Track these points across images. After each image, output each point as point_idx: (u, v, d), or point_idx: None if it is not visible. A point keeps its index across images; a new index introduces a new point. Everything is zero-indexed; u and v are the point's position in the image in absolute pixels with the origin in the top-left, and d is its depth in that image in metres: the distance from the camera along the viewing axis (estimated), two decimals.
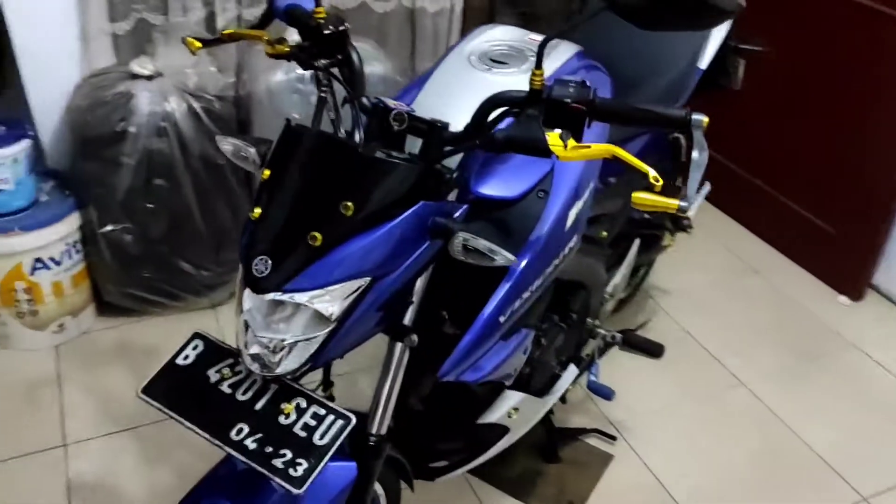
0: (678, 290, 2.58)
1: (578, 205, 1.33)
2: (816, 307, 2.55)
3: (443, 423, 1.54)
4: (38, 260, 2.09)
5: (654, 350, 1.83)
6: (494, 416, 1.50)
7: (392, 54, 2.46)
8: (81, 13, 2.13)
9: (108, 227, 2.14)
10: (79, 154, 2.11)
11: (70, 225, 2.14)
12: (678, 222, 2.01)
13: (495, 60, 1.38)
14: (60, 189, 2.19)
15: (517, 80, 1.33)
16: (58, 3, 2.10)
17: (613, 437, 2.01)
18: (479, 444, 1.57)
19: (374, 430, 1.22)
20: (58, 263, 2.13)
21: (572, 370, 1.72)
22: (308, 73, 2.16)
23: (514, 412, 1.53)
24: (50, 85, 2.16)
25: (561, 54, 1.43)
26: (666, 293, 2.57)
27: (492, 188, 1.24)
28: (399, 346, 1.21)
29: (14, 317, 2.14)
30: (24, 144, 2.05)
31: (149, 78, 2.09)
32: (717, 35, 1.88)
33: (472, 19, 2.71)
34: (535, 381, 1.61)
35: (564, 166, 1.29)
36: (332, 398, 1.33)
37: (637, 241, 1.95)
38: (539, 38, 1.46)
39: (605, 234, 1.72)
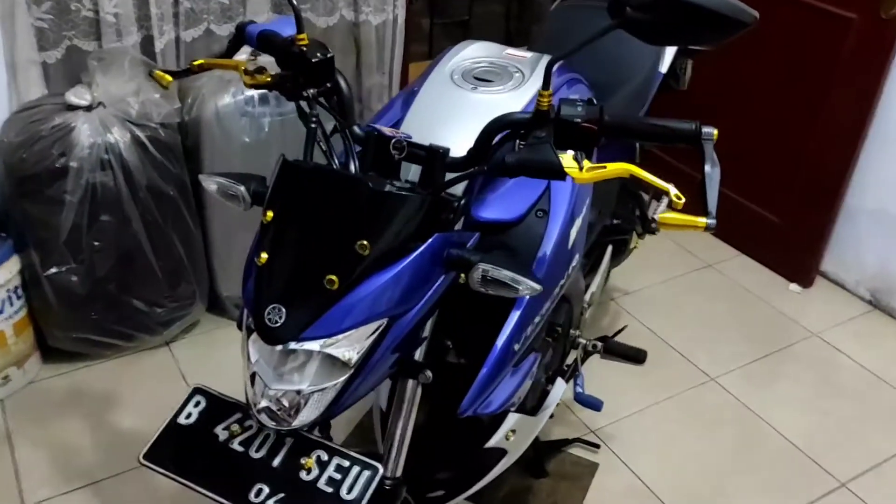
0: (637, 290, 2.61)
1: (578, 222, 1.31)
2: (770, 296, 2.62)
3: (445, 452, 1.49)
4: None
5: (636, 356, 1.83)
6: (494, 440, 1.47)
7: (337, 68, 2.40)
8: (7, 42, 1.99)
9: (52, 270, 2.01)
10: (15, 194, 1.97)
11: (10, 270, 1.99)
12: (647, 225, 2.02)
13: (479, 78, 1.35)
14: None
15: (504, 98, 1.30)
16: None
17: (597, 446, 2.01)
18: (478, 470, 1.53)
19: (389, 473, 1.17)
20: None
21: (560, 384, 1.70)
22: (256, 94, 2.11)
23: (512, 434, 1.50)
24: None
25: (543, 69, 1.40)
26: (626, 294, 2.59)
27: (492, 211, 1.20)
28: (411, 383, 1.16)
29: None
30: None
31: (87, 108, 1.97)
32: None
33: (413, 30, 2.68)
34: (528, 399, 1.58)
35: (560, 184, 1.27)
36: (329, 439, 1.27)
37: (610, 248, 1.95)
38: (518, 53, 1.44)
39: None
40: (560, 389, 1.70)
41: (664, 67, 1.87)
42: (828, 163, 2.48)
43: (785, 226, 2.65)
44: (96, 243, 2.01)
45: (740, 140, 2.70)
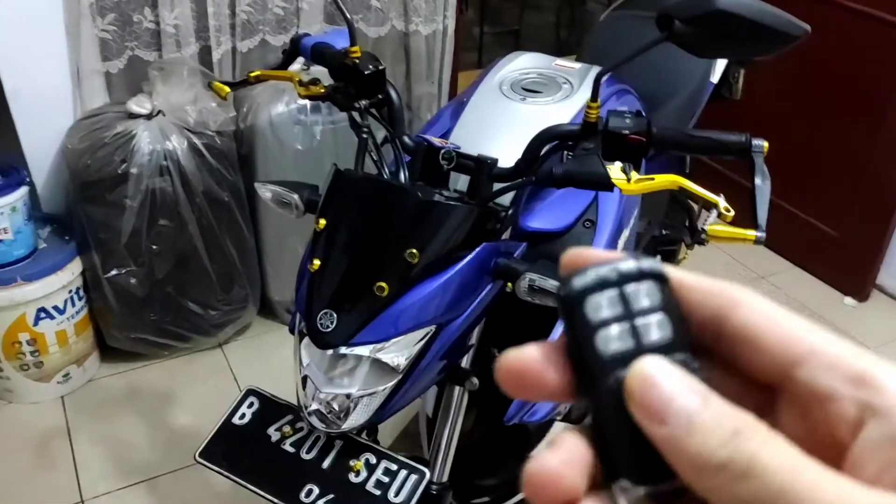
0: None
1: (625, 233, 1.31)
2: (824, 310, 2.57)
3: (492, 459, 1.51)
4: (41, 310, 2.01)
5: None
6: (539, 449, 1.47)
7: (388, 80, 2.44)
8: (72, 53, 2.07)
9: (113, 272, 2.08)
10: (78, 198, 2.04)
11: (72, 271, 2.07)
12: (697, 236, 2.00)
13: (528, 89, 1.36)
14: (59, 234, 2.12)
15: (553, 109, 1.31)
16: (48, 44, 2.04)
17: None
18: (521, 479, 1.53)
19: (436, 479, 1.19)
20: (61, 312, 2.06)
21: None
22: (309, 104, 2.16)
23: None
24: (43, 128, 2.09)
25: (592, 80, 1.41)
26: None
27: (539, 221, 1.21)
28: (458, 389, 1.18)
29: (18, 370, 2.06)
30: (22, 192, 1.98)
31: (147, 116, 2.03)
32: None
33: (462, 38, 2.70)
34: (574, 409, 1.59)
35: (607, 195, 1.27)
36: (376, 443, 1.29)
37: (658, 258, 1.94)
38: (567, 63, 1.45)
39: None
40: None
41: (715, 77, 1.85)
42: (886, 175, 2.42)
43: (841, 238, 2.60)
44: (154, 247, 2.08)
45: (796, 151, 2.65)
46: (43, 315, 2.02)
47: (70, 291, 2.08)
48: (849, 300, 2.61)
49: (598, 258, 0.29)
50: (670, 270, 0.28)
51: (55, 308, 2.04)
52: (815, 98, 2.58)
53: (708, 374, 0.27)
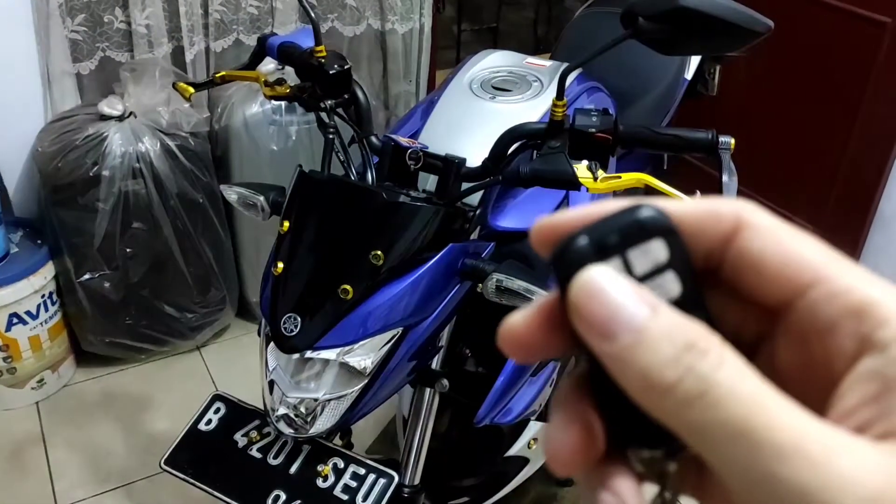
0: None
1: None
2: None
3: (466, 460, 1.50)
4: (13, 315, 1.99)
5: None
6: (515, 448, 1.47)
7: (364, 78, 2.42)
8: (42, 54, 2.04)
9: (86, 276, 2.05)
10: (50, 202, 2.02)
11: (45, 276, 2.04)
12: None
13: (498, 88, 1.35)
14: (31, 239, 2.09)
15: (522, 108, 1.30)
16: (16, 45, 2.01)
17: None
18: (500, 478, 1.53)
19: (407, 482, 1.18)
20: (34, 317, 2.03)
21: None
22: (283, 104, 2.14)
23: (534, 442, 1.50)
24: (13, 131, 2.07)
25: None
26: None
27: (509, 221, 1.21)
28: (428, 391, 1.17)
29: None
30: None
31: (119, 118, 2.01)
32: None
33: (441, 36, 2.69)
34: (550, 407, 1.58)
35: (577, 194, 1.27)
36: (350, 445, 1.28)
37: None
38: (537, 61, 1.44)
39: None
40: None
41: (689, 74, 1.85)
42: (861, 170, 2.43)
43: (818, 233, 2.56)
44: (129, 250, 2.06)
45: (772, 146, 2.66)
46: (15, 320, 2.00)
47: (43, 296, 2.05)
48: None
49: (575, 219, 0.26)
50: (672, 211, 0.25)
51: (28, 313, 2.02)
52: (789, 93, 2.58)
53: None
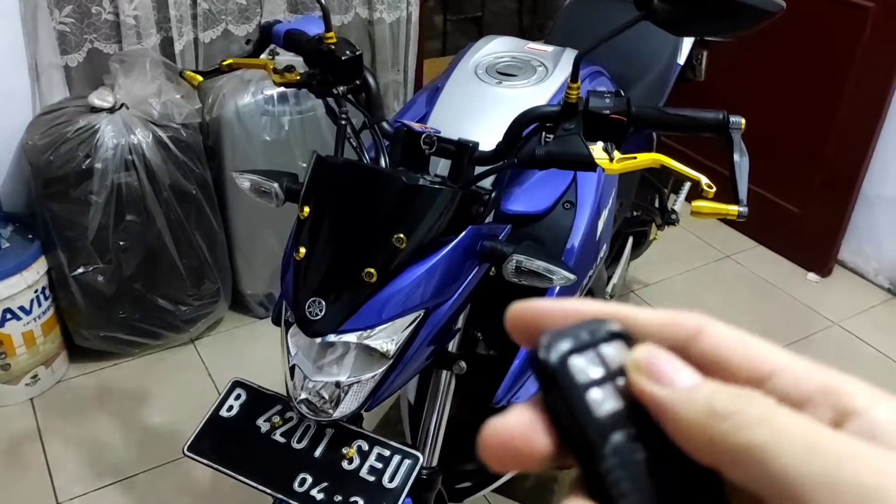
0: (657, 282, 2.62)
1: (605, 214, 1.32)
2: (789, 286, 2.63)
3: (471, 444, 1.51)
4: (6, 310, 1.96)
5: None
6: None
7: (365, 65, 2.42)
8: (29, 46, 2.02)
9: (80, 270, 2.03)
10: (42, 195, 1.99)
11: (37, 271, 2.02)
12: (667, 217, 2.03)
13: (503, 73, 1.36)
14: (22, 233, 2.06)
15: (529, 92, 1.31)
16: (3, 37, 1.98)
17: None
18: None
19: (425, 463, 1.19)
20: (27, 312, 2.01)
21: None
22: (276, 94, 2.13)
23: None
24: (0, 124, 2.04)
25: (567, 63, 1.42)
26: (646, 286, 2.60)
27: (519, 204, 1.22)
28: (445, 374, 1.18)
29: None
30: None
31: (110, 110, 1.99)
32: None
33: (427, 27, 2.69)
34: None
35: (586, 176, 1.28)
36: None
37: (630, 239, 1.96)
38: (539, 47, 1.45)
39: None
40: None
41: (682, 59, 1.88)
42: (845, 152, 2.48)
43: (803, 216, 2.65)
44: (122, 243, 2.04)
45: (757, 130, 2.68)
46: (8, 316, 1.97)
47: (36, 291, 2.03)
48: (812, 276, 2.67)
49: (546, 311, 0.30)
50: (628, 319, 0.29)
51: (21, 308, 1.99)
52: (773, 78, 2.62)
53: None
